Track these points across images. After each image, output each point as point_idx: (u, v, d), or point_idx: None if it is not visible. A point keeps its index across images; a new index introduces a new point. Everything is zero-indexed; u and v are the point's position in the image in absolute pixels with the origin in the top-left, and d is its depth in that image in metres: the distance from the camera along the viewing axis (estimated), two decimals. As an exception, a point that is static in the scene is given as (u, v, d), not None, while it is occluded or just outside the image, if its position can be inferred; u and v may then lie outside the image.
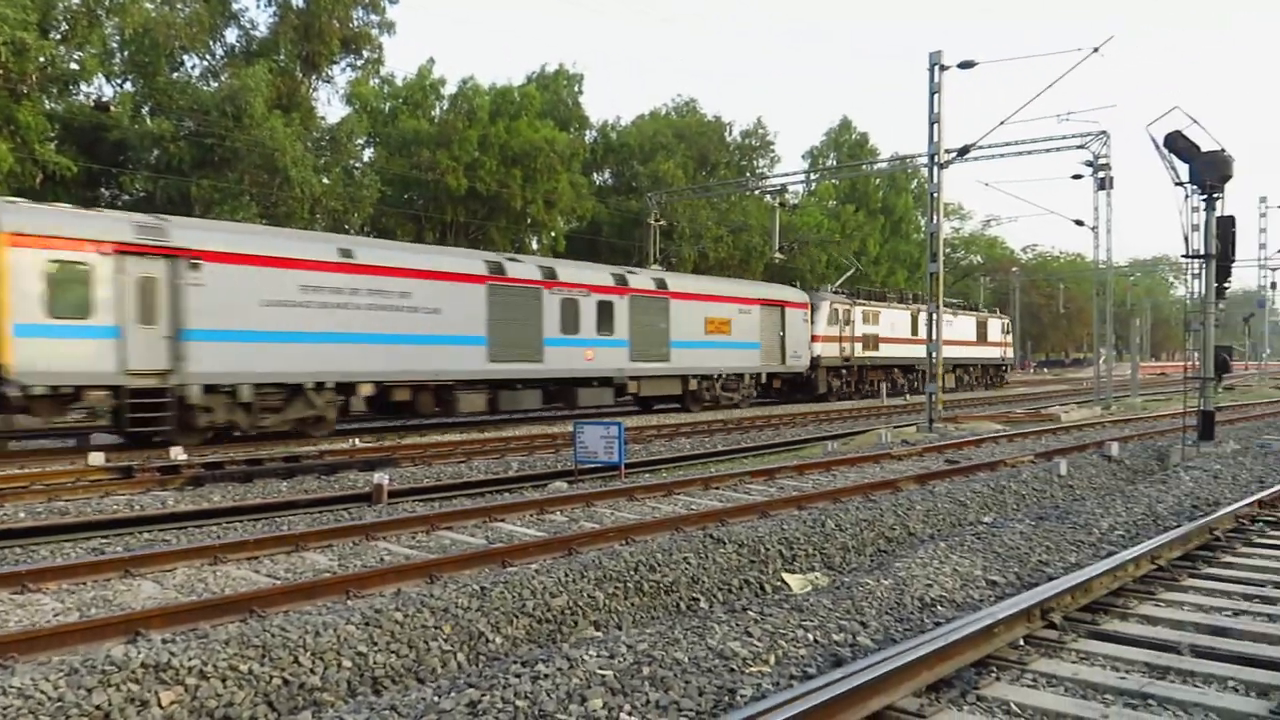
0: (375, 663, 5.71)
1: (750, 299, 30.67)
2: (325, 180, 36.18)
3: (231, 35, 37.07)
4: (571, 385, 24.29)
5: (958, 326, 44.30)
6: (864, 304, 38.01)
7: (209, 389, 17.50)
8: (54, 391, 15.88)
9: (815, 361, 33.71)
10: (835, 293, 37.10)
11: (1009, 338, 52.66)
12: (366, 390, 20.14)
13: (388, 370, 20.25)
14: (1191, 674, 5.12)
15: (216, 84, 34.57)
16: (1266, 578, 7.23)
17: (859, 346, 36.92)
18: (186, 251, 17.28)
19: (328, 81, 40.04)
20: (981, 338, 47.76)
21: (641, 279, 27.08)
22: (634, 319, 25.92)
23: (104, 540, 9.57)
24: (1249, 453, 16.03)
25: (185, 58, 35.25)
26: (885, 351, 38.81)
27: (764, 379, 31.32)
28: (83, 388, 16.15)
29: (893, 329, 39.57)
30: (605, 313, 25.16)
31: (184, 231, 17.73)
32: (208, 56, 36.52)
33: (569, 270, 25.02)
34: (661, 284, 27.55)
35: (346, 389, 19.85)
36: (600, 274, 25.98)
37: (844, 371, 36.30)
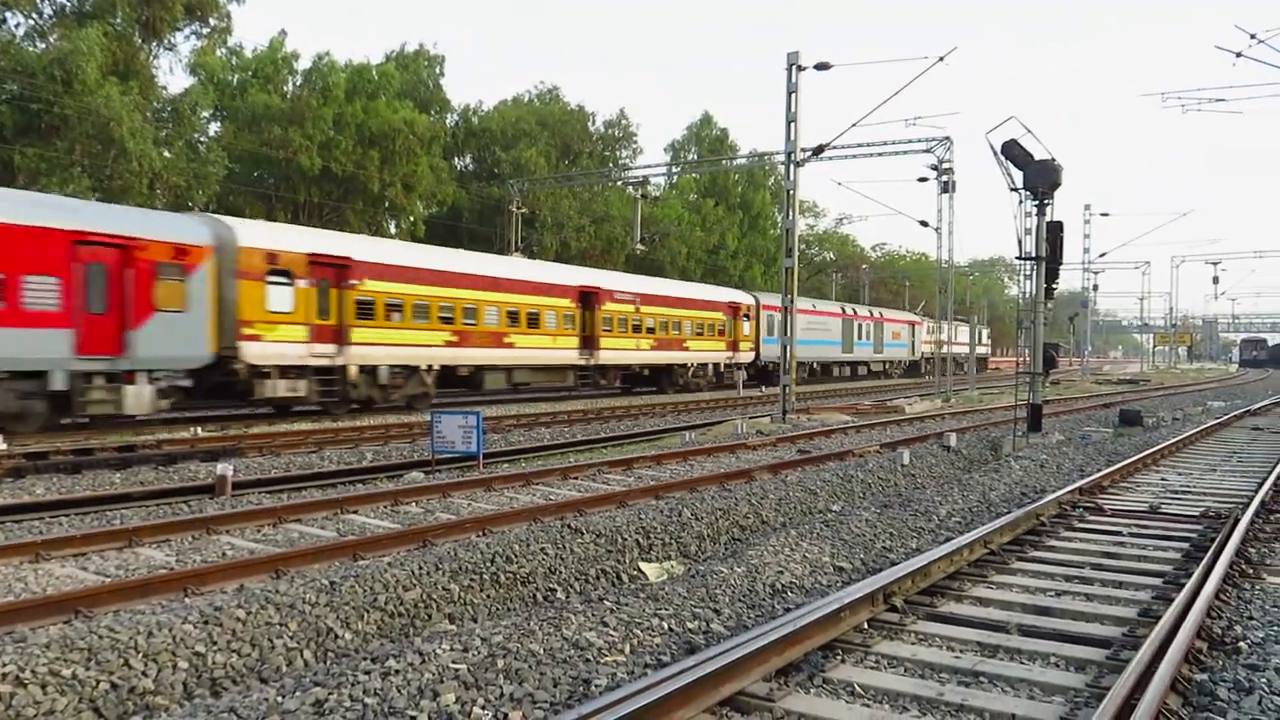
0: (214, 663, 5.45)
1: (904, 320, 57.31)
2: (166, 154, 34.16)
3: (61, -6, 34.48)
4: (857, 365, 49.92)
5: (964, 333, 65.42)
6: (939, 322, 63.93)
7: (800, 364, 38.46)
8: (766, 364, 38.43)
9: (921, 355, 58.50)
10: (926, 317, 61.36)
11: (990, 340, 77.99)
12: (815, 366, 44.61)
13: (819, 358, 44.64)
14: (1019, 651, 5.45)
15: (44, 45, 32.11)
16: (1085, 560, 7.77)
17: (933, 346, 60.72)
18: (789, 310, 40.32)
19: (170, 49, 37.68)
20: (976, 340, 73.85)
21: (874, 311, 53.48)
22: (875, 333, 51.49)
23: (-93, 537, 8.78)
24: (1072, 443, 17.19)
25: (7, 15, 32.54)
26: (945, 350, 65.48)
27: (905, 365, 57.04)
28: (770, 362, 37.19)
29: (948, 335, 66.40)
30: (865, 329, 50.56)
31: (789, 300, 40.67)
32: (34, 15, 33.81)
33: (860, 309, 51.49)
34: (880, 314, 53.92)
35: (810, 365, 43.51)
36: (864, 309, 52.46)
37: (929, 360, 58.38)
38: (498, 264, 28.05)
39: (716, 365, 36.87)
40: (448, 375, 25.05)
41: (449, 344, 24.51)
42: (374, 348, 22.37)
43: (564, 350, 28.61)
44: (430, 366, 24.11)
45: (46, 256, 16.07)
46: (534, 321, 27.28)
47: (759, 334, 39.18)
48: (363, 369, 22.20)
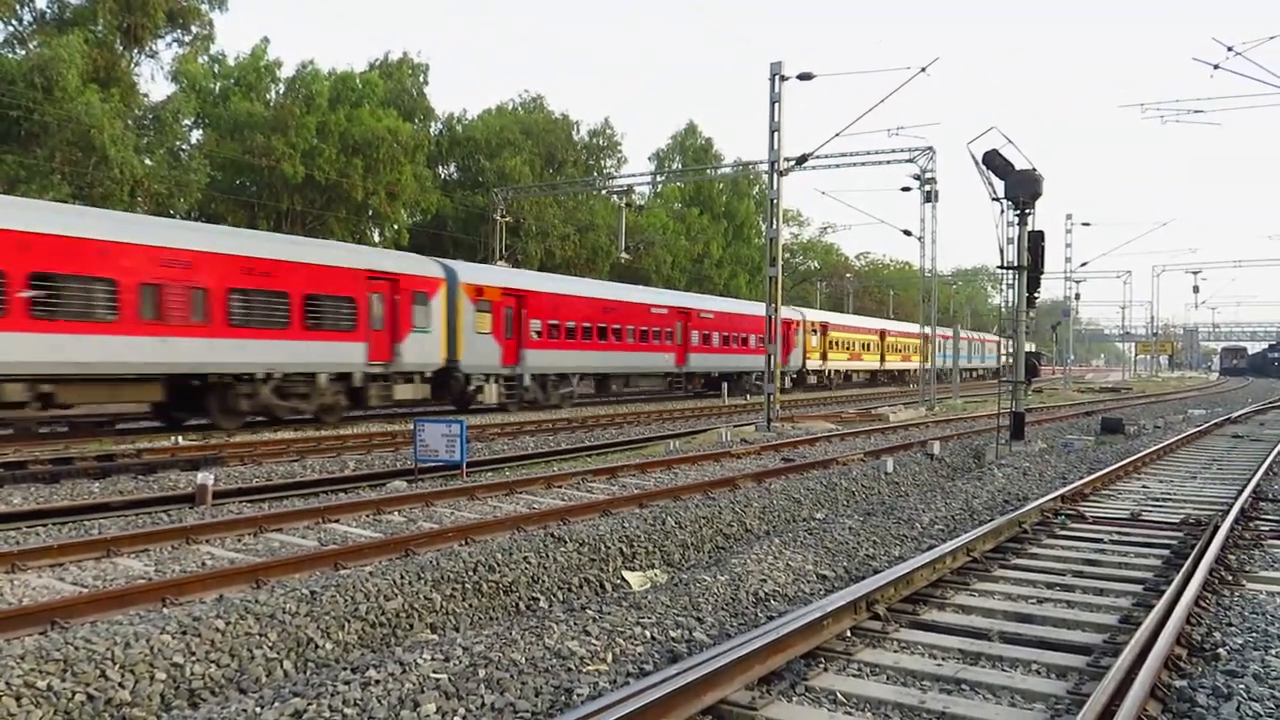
0: (193, 674, 5.40)
1: (993, 339, 72.22)
2: (148, 162, 34.03)
3: (42, 1, 34.34)
4: (970, 371, 65.55)
5: (995, 346, 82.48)
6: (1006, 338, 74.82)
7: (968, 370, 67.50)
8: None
9: (1002, 363, 73.44)
10: (1000, 334, 75.80)
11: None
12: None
13: (966, 367, 64.40)
14: (1000, 659, 5.46)
15: (24, 52, 31.93)
16: (1066, 567, 7.80)
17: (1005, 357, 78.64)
18: (966, 337, 63.70)
19: (152, 57, 37.65)
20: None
21: (978, 334, 72.42)
22: (980, 349, 68.63)
23: (-119, 548, 8.66)
24: (1054, 451, 17.28)
25: (-12, 22, 32.42)
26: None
27: (995, 370, 70.26)
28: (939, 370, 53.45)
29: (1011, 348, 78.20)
30: (975, 346, 66.55)
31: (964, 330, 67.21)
32: (13, 22, 33.65)
33: (973, 334, 71.69)
34: (982, 336, 70.46)
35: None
36: (975, 333, 72.27)
37: (1003, 369, 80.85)
38: (862, 319, 56.76)
39: (913, 370, 59.81)
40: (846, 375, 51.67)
41: (851, 358, 51.61)
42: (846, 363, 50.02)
43: (873, 363, 54.92)
44: (847, 371, 51.63)
45: (756, 330, 39.95)
46: (867, 348, 53.49)
47: (932, 351, 64.80)
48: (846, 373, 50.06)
